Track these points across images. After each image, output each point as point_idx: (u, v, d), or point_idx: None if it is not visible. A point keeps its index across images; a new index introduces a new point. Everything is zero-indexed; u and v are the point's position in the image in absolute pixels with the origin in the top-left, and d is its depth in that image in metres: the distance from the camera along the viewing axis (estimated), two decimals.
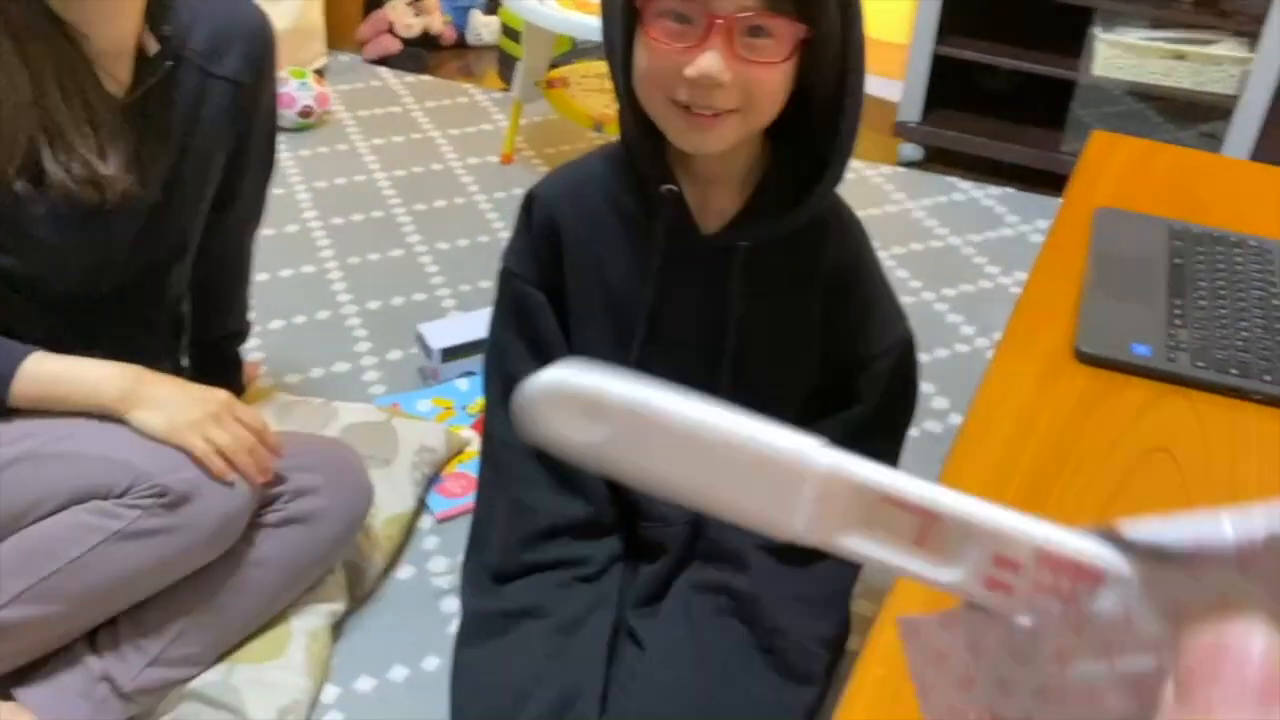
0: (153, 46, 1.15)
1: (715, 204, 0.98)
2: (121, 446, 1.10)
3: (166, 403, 1.13)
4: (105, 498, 1.08)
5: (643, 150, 0.94)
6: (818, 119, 0.91)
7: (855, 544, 0.22)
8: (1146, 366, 0.90)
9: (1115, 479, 0.79)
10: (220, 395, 1.18)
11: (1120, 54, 2.37)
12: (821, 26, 0.84)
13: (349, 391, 1.80)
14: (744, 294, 0.98)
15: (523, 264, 1.05)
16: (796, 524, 0.22)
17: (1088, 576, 0.20)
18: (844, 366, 1.04)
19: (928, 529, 0.22)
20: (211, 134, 1.24)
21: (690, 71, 0.84)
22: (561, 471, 1.04)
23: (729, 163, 0.95)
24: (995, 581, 0.21)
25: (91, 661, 1.18)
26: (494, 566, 1.07)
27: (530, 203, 1.04)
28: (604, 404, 0.21)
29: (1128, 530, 0.21)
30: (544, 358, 1.03)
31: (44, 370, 1.10)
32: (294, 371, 1.86)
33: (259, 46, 1.27)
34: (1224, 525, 0.19)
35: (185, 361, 1.45)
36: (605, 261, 1.01)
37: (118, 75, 1.13)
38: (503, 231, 2.33)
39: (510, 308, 1.06)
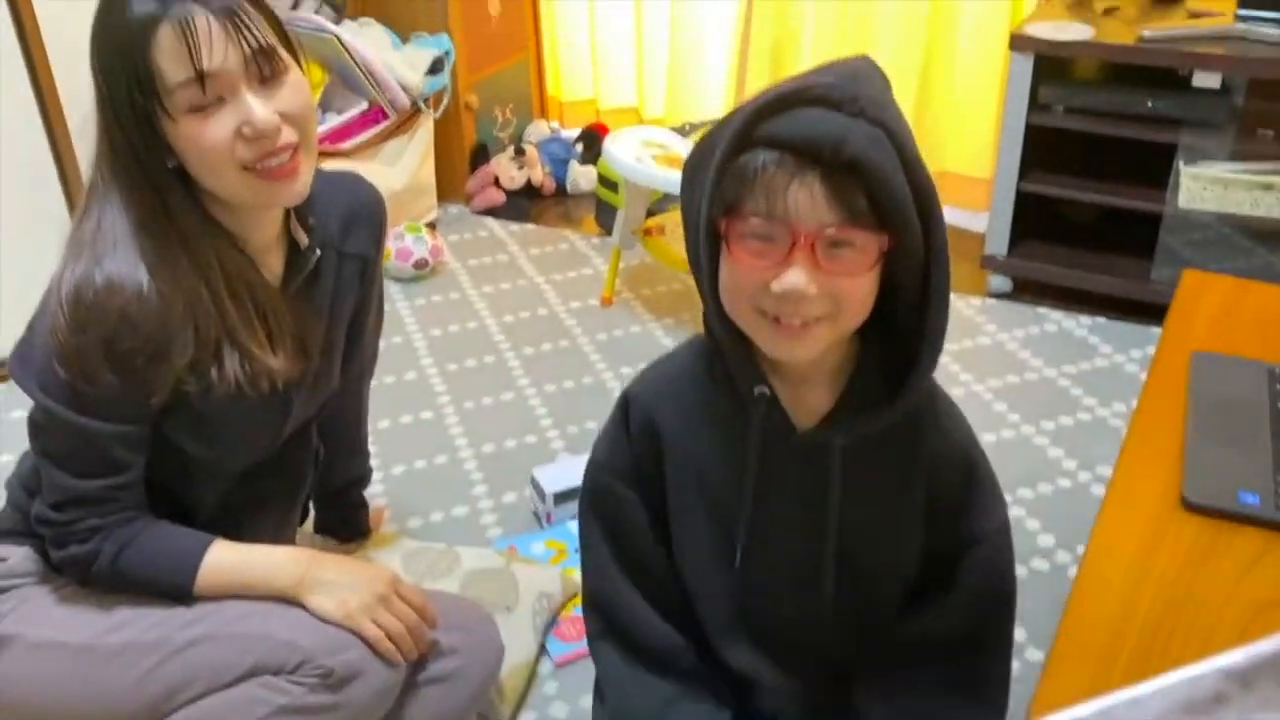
0: (302, 238, 1.26)
1: (808, 402, 0.97)
2: (292, 628, 1.17)
3: (337, 586, 1.20)
4: (276, 674, 1.15)
5: (734, 354, 0.95)
6: (904, 315, 0.92)
7: None
8: (1256, 515, 0.92)
9: (1231, 636, 0.81)
10: (386, 575, 1.25)
11: (1205, 186, 2.42)
12: (903, 234, 0.86)
13: (467, 534, 1.89)
14: (844, 490, 0.98)
15: (616, 461, 1.05)
16: None
17: None
18: (940, 556, 1.01)
19: None
20: (345, 303, 1.38)
21: (776, 288, 0.85)
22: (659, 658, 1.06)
23: (820, 362, 0.95)
24: None
25: None
26: None
27: (628, 404, 1.04)
28: None
29: None
30: (627, 551, 1.07)
31: (224, 561, 1.20)
32: (416, 515, 1.96)
33: (379, 223, 1.40)
34: None
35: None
36: (704, 461, 1.01)
37: (272, 267, 1.24)
38: (605, 373, 2.44)
39: (593, 503, 1.08)
